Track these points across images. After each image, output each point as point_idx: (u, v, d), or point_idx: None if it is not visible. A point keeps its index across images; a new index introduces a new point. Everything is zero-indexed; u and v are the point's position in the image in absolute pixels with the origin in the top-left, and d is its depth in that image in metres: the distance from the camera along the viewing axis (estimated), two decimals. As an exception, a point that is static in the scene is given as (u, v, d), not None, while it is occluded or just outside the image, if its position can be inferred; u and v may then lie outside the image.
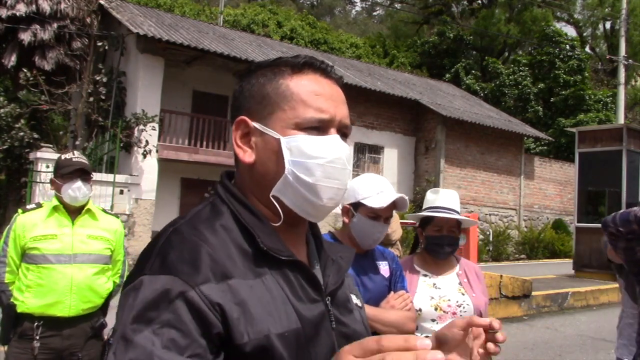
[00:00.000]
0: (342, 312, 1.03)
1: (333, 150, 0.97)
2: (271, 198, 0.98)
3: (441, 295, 2.46)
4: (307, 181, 0.96)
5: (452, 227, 2.49)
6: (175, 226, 0.95)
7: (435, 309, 2.42)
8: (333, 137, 0.98)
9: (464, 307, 2.44)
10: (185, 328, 0.81)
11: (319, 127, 0.98)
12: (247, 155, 1.00)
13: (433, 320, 2.42)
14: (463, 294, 2.47)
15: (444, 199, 2.53)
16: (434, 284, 2.50)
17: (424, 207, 2.59)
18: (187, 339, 0.81)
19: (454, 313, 2.42)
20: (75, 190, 2.89)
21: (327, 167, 0.97)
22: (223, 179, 1.05)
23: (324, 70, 1.02)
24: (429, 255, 2.56)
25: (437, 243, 2.48)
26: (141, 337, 0.79)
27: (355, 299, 1.14)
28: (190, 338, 0.81)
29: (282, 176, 0.96)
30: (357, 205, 2.16)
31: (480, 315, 2.45)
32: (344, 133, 1.02)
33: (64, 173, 2.90)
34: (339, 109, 1.01)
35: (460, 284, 2.51)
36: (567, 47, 29.00)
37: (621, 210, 2.34)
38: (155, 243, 0.93)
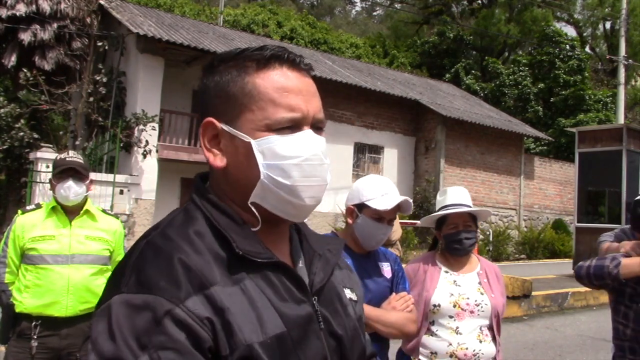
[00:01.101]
0: (331, 310, 0.99)
1: (308, 147, 0.92)
2: (249, 205, 0.93)
3: (461, 292, 2.48)
4: (285, 184, 0.91)
5: (467, 222, 2.51)
6: (148, 238, 0.90)
7: (454, 306, 2.44)
8: (306, 132, 0.93)
9: (482, 307, 2.46)
10: (180, 346, 0.78)
11: (291, 127, 0.92)
12: (218, 160, 0.95)
13: (451, 317, 2.44)
14: (482, 294, 2.49)
15: (453, 197, 2.55)
16: (455, 281, 2.52)
17: (436, 209, 2.61)
18: (184, 357, 0.78)
19: (472, 312, 2.44)
20: (66, 190, 2.87)
21: (304, 166, 0.92)
22: (197, 183, 1.00)
23: (292, 62, 0.95)
24: (450, 254, 2.58)
25: (456, 240, 2.50)
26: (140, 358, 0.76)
27: (350, 293, 1.09)
28: (187, 354, 0.78)
29: (259, 181, 0.92)
30: (362, 207, 2.17)
31: (497, 316, 2.49)
32: (318, 127, 0.96)
33: (56, 173, 2.91)
34: (311, 103, 0.95)
35: (480, 283, 2.53)
36: (567, 47, 28.98)
37: (595, 262, 2.44)
38: (129, 258, 0.88)
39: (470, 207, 2.53)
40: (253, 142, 0.91)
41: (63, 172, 2.89)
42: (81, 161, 2.98)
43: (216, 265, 0.87)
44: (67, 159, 2.95)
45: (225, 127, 0.93)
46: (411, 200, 2.20)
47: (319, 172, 0.94)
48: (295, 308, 0.91)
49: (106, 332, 0.79)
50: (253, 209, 0.93)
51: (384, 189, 2.17)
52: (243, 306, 0.85)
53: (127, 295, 0.81)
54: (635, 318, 2.33)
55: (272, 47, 0.96)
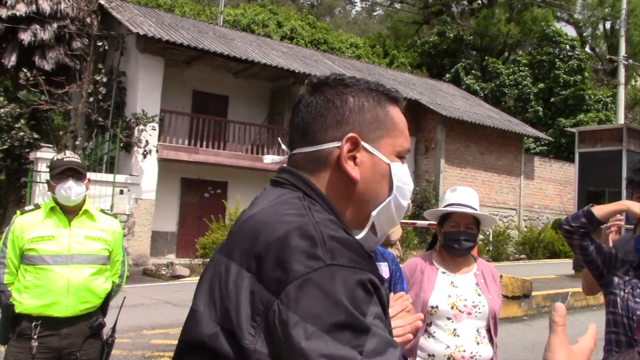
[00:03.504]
0: None
1: (410, 179, 1.09)
2: (371, 214, 1.04)
3: (458, 294, 2.47)
4: (403, 205, 1.06)
5: (469, 224, 2.50)
6: (312, 218, 0.90)
7: (452, 308, 2.44)
8: (406, 164, 1.09)
9: (479, 308, 2.45)
10: (384, 320, 0.82)
11: (403, 157, 1.08)
12: (355, 172, 1.01)
13: (448, 319, 2.43)
14: (479, 295, 2.47)
15: (461, 196, 2.54)
16: (452, 282, 2.51)
17: (443, 205, 2.60)
18: (388, 328, 0.85)
19: (469, 313, 2.43)
20: (67, 190, 2.87)
21: (410, 193, 1.08)
22: (302, 176, 1.01)
23: (401, 104, 1.11)
24: (447, 253, 2.57)
25: (454, 239, 2.49)
26: (373, 327, 0.77)
27: None
28: (388, 326, 0.86)
29: (387, 199, 1.04)
30: None
31: (495, 317, 2.47)
32: None
33: (56, 173, 2.90)
34: None
35: (477, 284, 2.52)
36: (567, 47, 28.98)
37: None
38: (307, 232, 0.86)
39: (476, 210, 2.52)
40: (392, 165, 1.04)
41: (63, 172, 2.88)
42: (79, 160, 2.98)
43: None
44: (65, 159, 2.94)
45: (369, 147, 1.03)
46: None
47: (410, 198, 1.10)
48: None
49: (327, 300, 0.78)
50: (371, 220, 1.05)
51: None
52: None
53: (337, 268, 0.81)
54: (622, 305, 2.38)
55: (389, 87, 1.11)
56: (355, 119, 1.03)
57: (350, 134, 1.01)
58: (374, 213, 1.04)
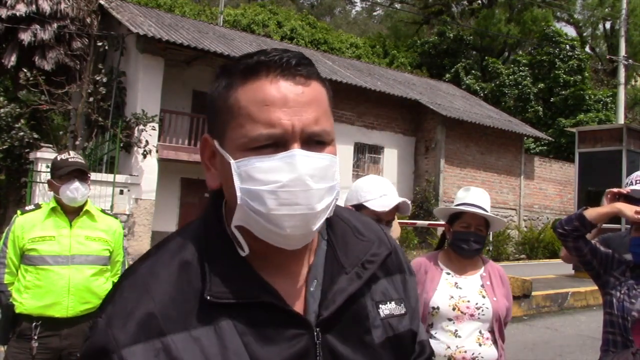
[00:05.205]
0: (346, 335, 0.89)
1: (287, 172, 0.80)
2: (233, 229, 0.86)
3: (461, 295, 2.44)
4: (260, 211, 0.81)
5: (479, 225, 2.48)
6: (137, 266, 0.89)
7: (453, 309, 2.41)
8: (289, 153, 0.81)
9: (482, 310, 2.42)
10: None
11: (274, 144, 0.81)
12: (213, 179, 0.89)
13: (450, 320, 2.41)
14: (484, 297, 2.44)
15: (474, 197, 2.51)
16: (456, 284, 2.48)
17: (454, 204, 2.57)
18: None
19: (472, 315, 2.41)
20: (74, 191, 2.88)
21: (281, 193, 0.80)
22: (210, 199, 0.94)
23: (283, 67, 0.83)
24: (454, 253, 2.54)
25: (463, 239, 2.46)
26: None
27: (389, 308, 0.97)
28: None
29: (237, 206, 0.83)
30: (360, 208, 2.16)
31: (499, 320, 2.44)
32: (317, 142, 0.85)
33: (62, 174, 2.89)
34: (300, 115, 0.82)
35: (482, 286, 2.49)
36: (567, 47, 28.99)
37: None
38: (120, 280, 0.89)
39: (487, 212, 2.49)
40: (232, 163, 0.83)
41: (69, 173, 2.89)
42: (83, 161, 3.01)
43: (193, 303, 0.83)
44: (70, 159, 2.95)
45: (217, 145, 0.86)
46: (409, 202, 2.19)
47: (301, 199, 0.81)
48: (281, 348, 0.83)
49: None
50: (237, 233, 0.86)
51: (382, 190, 2.17)
52: (210, 352, 0.80)
53: (100, 320, 0.85)
54: (618, 305, 2.39)
55: (265, 51, 0.85)
56: (208, 116, 0.90)
57: (203, 136, 0.89)
58: (233, 223, 0.85)
